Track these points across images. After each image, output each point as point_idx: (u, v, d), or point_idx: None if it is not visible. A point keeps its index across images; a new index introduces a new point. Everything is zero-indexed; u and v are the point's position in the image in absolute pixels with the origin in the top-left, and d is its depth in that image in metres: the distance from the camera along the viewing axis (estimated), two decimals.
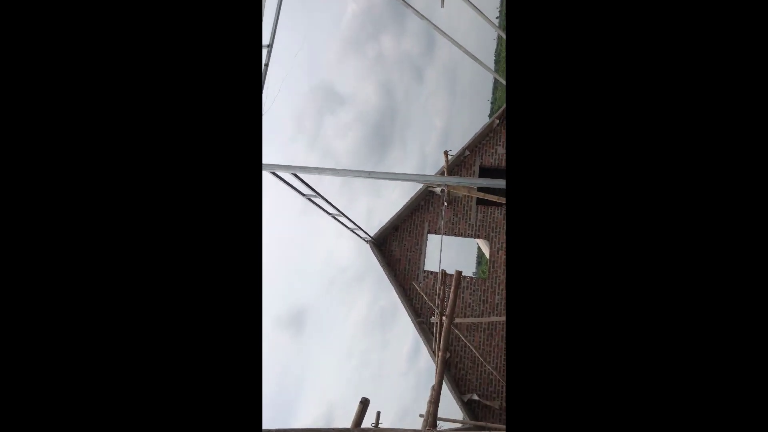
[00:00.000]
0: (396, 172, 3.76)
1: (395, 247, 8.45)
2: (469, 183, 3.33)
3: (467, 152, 8.22)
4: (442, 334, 3.88)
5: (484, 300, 7.91)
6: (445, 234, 8.02)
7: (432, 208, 8.33)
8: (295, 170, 4.18)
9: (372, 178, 3.93)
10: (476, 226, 8.12)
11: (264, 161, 4.10)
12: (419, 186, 8.18)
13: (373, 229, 8.33)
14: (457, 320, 7.51)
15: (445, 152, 6.65)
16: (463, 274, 5.37)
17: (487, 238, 8.16)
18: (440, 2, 5.15)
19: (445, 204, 7.92)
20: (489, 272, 8.02)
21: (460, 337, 7.75)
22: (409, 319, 8.20)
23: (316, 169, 4.14)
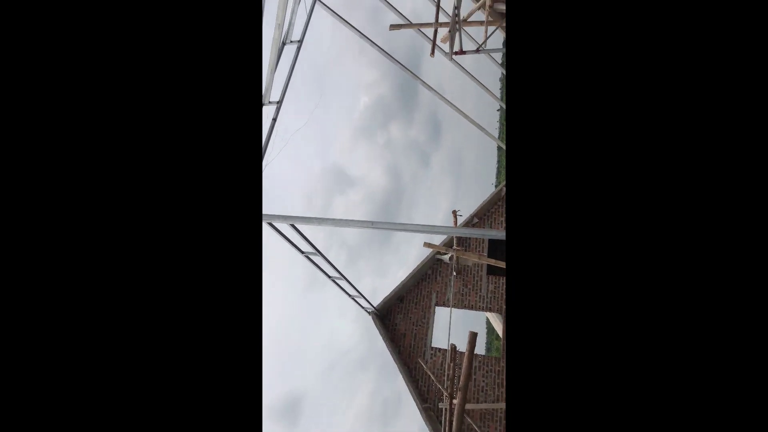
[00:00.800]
0: (401, 222, 3.43)
1: (400, 320, 7.79)
2: (482, 234, 2.99)
3: (476, 219, 7.92)
4: (455, 416, 3.20)
5: (499, 383, 7.03)
6: (454, 306, 7.41)
7: (440, 277, 7.81)
8: (294, 221, 3.85)
9: (375, 228, 3.58)
10: (487, 298, 7.53)
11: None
12: (426, 254, 7.76)
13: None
14: (468, 406, 6.60)
15: (454, 212, 6.35)
16: (474, 351, 4.74)
17: (499, 311, 7.52)
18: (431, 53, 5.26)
19: (454, 273, 7.42)
20: (504, 350, 7.25)
21: (473, 427, 6.76)
22: (414, 405, 7.25)
23: (316, 219, 3.81)
